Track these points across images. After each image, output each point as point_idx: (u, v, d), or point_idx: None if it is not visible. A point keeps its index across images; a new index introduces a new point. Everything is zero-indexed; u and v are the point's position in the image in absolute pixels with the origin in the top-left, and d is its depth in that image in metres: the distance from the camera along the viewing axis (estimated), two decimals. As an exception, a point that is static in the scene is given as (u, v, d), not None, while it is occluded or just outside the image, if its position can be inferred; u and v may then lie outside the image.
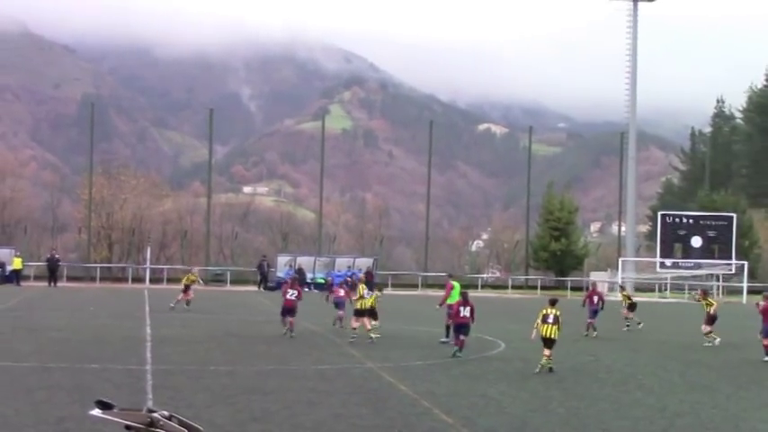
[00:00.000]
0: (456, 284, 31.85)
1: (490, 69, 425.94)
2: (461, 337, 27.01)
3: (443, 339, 30.86)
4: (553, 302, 25.22)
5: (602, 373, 24.06)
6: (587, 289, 47.80)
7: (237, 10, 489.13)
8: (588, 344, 32.17)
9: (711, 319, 33.67)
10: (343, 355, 26.43)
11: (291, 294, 32.38)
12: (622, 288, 49.87)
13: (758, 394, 20.92)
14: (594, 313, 36.04)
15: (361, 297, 31.41)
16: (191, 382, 19.97)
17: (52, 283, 68.11)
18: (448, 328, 30.77)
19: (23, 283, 68.82)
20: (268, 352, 26.58)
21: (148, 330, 32.18)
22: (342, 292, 37.27)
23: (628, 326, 39.49)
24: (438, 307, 31.80)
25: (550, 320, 24.18)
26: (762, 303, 28.92)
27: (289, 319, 32.01)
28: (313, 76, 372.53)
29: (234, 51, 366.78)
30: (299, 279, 35.22)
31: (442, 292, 38.76)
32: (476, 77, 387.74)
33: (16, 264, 70.61)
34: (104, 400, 6.60)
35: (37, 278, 73.45)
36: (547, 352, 23.83)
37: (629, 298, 42.37)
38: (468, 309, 27.27)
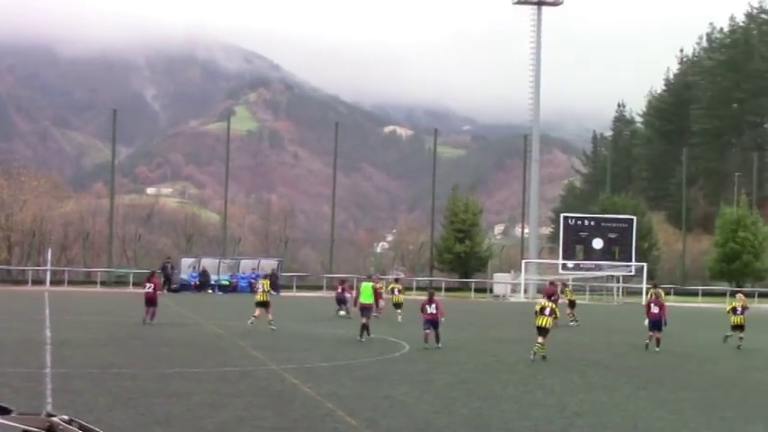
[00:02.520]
0: (363, 284, 34.80)
1: (393, 70, 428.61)
2: (432, 330, 29.96)
3: (360, 338, 31.94)
4: (549, 296, 29.96)
5: (504, 373, 24.31)
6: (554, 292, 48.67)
7: (137, 8, 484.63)
8: (490, 345, 32.51)
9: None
10: (246, 357, 26.33)
11: (149, 287, 37.94)
12: (565, 285, 51.60)
13: (656, 393, 21.32)
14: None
15: (264, 292, 36.32)
16: (92, 385, 19.72)
17: (-51, 286, 66.71)
18: (363, 326, 32.34)
19: None
20: (171, 354, 26.36)
21: (48, 333, 31.70)
22: (340, 289, 46.34)
23: (574, 321, 43.22)
24: (354, 307, 34.94)
25: (547, 312, 27.48)
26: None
27: (151, 309, 37.18)
28: (217, 76, 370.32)
29: (136, 50, 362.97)
30: (161, 272, 39.23)
31: (347, 294, 42.80)
32: (379, 78, 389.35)
33: None
34: (2, 404, 6.51)
35: (-67, 280, 71.91)
36: (540, 340, 27.18)
37: (570, 294, 47.01)
38: (433, 306, 30.19)
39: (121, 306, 49.83)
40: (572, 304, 45.14)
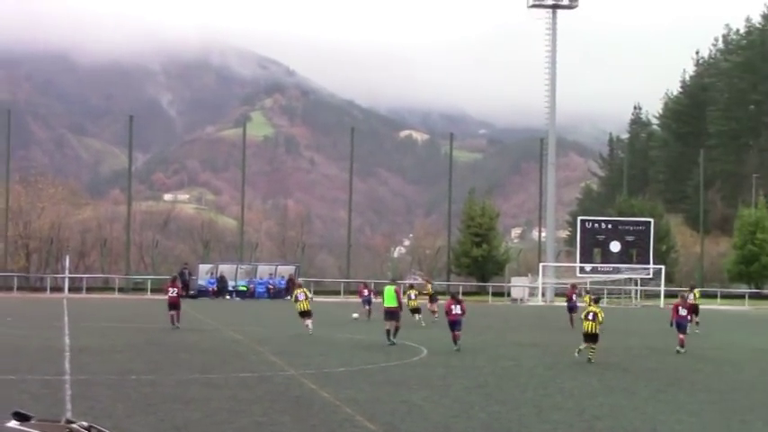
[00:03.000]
0: (386, 288, 34.36)
1: (408, 74, 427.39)
2: (456, 332, 30.89)
3: (387, 343, 32.13)
4: (596, 301, 30.40)
5: (523, 377, 24.26)
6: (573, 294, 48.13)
7: (151, 14, 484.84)
8: (509, 349, 32.46)
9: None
10: (264, 362, 26.35)
11: (173, 292, 38.90)
12: (587, 292, 51.92)
13: (675, 396, 21.25)
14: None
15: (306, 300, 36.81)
16: (110, 392, 19.76)
17: (-32, 293, 66.87)
18: (388, 332, 32.49)
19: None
20: (189, 360, 26.40)
21: (67, 340, 31.78)
22: (366, 292, 48.30)
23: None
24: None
25: (591, 317, 28.15)
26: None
27: (173, 313, 38.28)
28: (232, 82, 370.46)
29: (151, 57, 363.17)
30: (179, 278, 40.63)
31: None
32: (394, 82, 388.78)
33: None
34: (22, 411, 6.52)
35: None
36: (583, 345, 28.09)
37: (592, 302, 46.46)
38: (459, 307, 31.26)
39: (140, 312, 49.96)
40: None
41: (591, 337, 28.04)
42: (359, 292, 50.72)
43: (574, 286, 49.38)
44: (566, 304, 47.42)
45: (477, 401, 19.56)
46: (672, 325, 32.32)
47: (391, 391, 20.82)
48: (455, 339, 30.83)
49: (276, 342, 32.65)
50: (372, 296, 48.42)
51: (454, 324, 31.16)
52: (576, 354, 28.01)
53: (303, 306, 36.49)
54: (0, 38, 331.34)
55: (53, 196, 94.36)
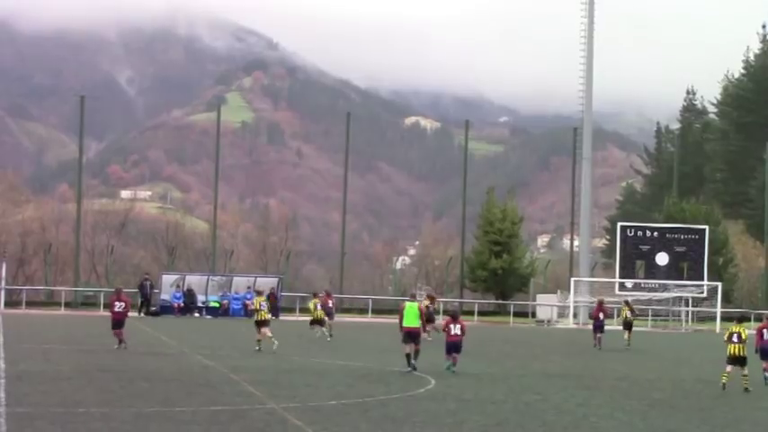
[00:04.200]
0: (407, 305, 34.15)
1: (416, 50, 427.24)
2: (454, 354, 32.68)
3: (406, 369, 32.48)
4: (740, 320, 31.45)
5: (549, 414, 24.23)
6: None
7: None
8: (533, 381, 32.46)
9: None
10: (240, 393, 26.35)
11: (119, 307, 39.50)
12: (627, 303, 53.52)
13: (733, 439, 21.24)
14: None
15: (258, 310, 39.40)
16: (55, 427, 19.74)
17: None
18: (408, 356, 32.91)
19: None
20: (150, 391, 26.38)
21: (2, 365, 31.77)
22: (330, 303, 50.70)
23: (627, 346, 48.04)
24: (401, 332, 34.03)
25: (735, 339, 30.06)
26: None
27: (118, 331, 38.82)
28: (204, 57, 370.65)
29: (107, 26, 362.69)
30: (137, 293, 41.30)
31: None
32: (398, 60, 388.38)
33: None
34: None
35: None
36: (729, 369, 30.11)
37: (628, 314, 50.99)
38: (458, 326, 32.69)
39: (90, 332, 49.90)
40: (628, 326, 49.50)
41: (740, 361, 29.95)
42: (322, 303, 49.56)
43: (601, 302, 51.19)
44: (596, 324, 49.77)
45: (494, 443, 19.55)
46: (756, 352, 32.21)
47: (392, 429, 20.82)
48: (452, 361, 32.64)
49: (254, 369, 32.63)
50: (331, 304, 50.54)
51: (452, 346, 32.64)
52: (723, 380, 29.78)
53: (262, 316, 39.15)
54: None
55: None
